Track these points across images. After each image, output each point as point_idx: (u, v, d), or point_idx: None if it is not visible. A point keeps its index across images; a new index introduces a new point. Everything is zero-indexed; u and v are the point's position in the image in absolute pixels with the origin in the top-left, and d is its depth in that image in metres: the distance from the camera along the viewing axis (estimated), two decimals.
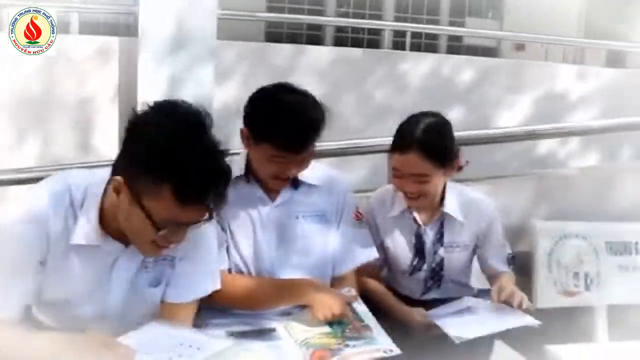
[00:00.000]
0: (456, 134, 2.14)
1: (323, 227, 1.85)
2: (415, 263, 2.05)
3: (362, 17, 7.88)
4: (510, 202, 2.65)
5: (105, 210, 1.41)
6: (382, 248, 2.07)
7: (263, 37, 7.12)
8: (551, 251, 2.48)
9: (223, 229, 1.77)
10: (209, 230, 1.56)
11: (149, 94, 3.71)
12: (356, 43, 7.45)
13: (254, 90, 1.80)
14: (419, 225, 2.05)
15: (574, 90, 5.48)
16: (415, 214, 2.05)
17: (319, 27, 7.67)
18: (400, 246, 2.06)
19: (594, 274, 2.54)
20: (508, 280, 2.06)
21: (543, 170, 2.83)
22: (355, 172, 3.87)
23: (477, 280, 2.23)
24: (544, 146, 4.96)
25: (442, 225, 2.04)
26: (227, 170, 1.36)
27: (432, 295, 2.08)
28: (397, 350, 1.57)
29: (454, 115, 4.81)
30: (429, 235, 2.05)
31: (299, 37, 7.25)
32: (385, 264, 2.12)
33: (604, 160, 5.18)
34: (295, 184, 1.83)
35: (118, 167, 1.37)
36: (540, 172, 2.79)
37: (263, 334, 1.67)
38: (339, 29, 7.82)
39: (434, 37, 8.09)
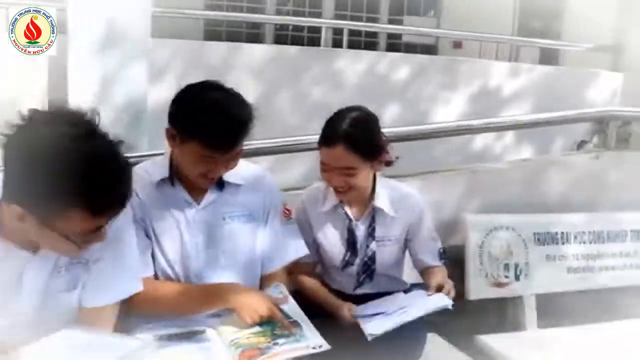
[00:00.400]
0: (391, 129, 2.17)
1: (250, 227, 1.83)
2: (347, 257, 2.07)
3: (302, 15, 7.85)
4: (443, 197, 2.69)
5: (4, 223, 1.33)
6: (315, 244, 2.07)
7: (202, 35, 7.00)
8: (482, 244, 2.55)
9: (147, 235, 1.73)
10: (124, 232, 1.52)
11: (79, 95, 3.60)
12: (296, 41, 7.43)
13: None
14: (350, 220, 2.06)
15: (507, 86, 5.62)
16: (347, 209, 2.06)
17: (259, 26, 7.61)
18: (332, 241, 2.07)
19: (523, 264, 2.63)
20: (442, 275, 2.08)
21: (474, 165, 2.88)
22: (293, 169, 3.86)
23: (410, 275, 2.25)
24: (480, 141, 5.08)
25: (373, 220, 2.06)
26: (127, 166, 1.31)
27: (365, 289, 2.09)
28: (326, 346, 1.57)
29: (391, 111, 4.90)
30: (361, 230, 2.06)
31: (238, 35, 7.17)
32: (318, 260, 2.12)
33: (538, 153, 5.33)
34: (221, 184, 1.79)
35: (11, 192, 1.26)
36: (471, 167, 2.84)
37: (192, 336, 1.65)
38: (280, 27, 7.80)
39: (374, 35, 8.16)
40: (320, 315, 1.82)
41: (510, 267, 2.60)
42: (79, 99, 3.77)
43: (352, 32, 7.49)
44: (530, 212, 2.78)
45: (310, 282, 2.05)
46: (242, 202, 1.82)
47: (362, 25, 7.03)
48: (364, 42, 8.08)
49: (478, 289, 2.54)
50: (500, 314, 2.69)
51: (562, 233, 2.74)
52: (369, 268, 2.08)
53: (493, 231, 2.58)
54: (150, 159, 1.91)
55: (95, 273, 1.48)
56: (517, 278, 2.61)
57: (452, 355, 2.29)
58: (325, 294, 2.02)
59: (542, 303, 2.69)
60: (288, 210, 1.95)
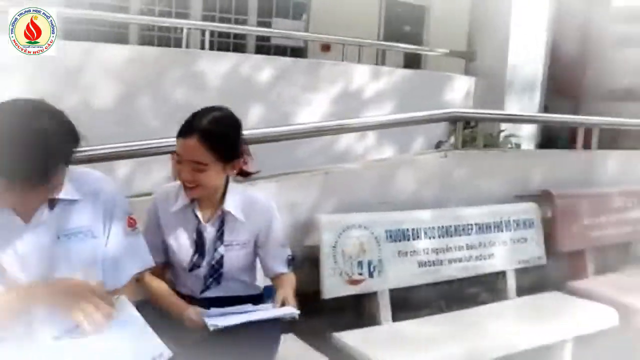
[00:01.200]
0: (249, 131, 2.18)
1: (90, 243, 1.69)
2: (195, 259, 2.04)
3: (169, 15, 7.64)
4: (299, 198, 2.73)
5: None
6: (164, 244, 2.04)
7: (61, 34, 6.60)
8: (336, 243, 2.61)
9: None
10: None
11: None
12: (163, 42, 7.23)
13: (40, 91, 1.60)
14: (199, 222, 2.04)
15: (369, 88, 5.82)
16: (197, 211, 2.04)
17: (125, 25, 7.30)
18: (181, 242, 2.04)
19: (377, 261, 2.73)
20: (290, 285, 2.10)
21: (328, 166, 2.94)
22: (154, 173, 3.76)
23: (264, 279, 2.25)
24: (344, 142, 5.21)
25: (222, 223, 2.05)
26: None
27: (214, 293, 2.07)
28: (168, 354, 1.52)
29: (254, 113, 4.90)
30: (210, 232, 2.05)
31: (102, 34, 6.82)
32: (168, 262, 2.08)
33: (400, 153, 5.56)
34: (52, 202, 1.62)
35: None
36: (325, 168, 2.90)
37: None
38: (147, 28, 7.53)
39: (242, 37, 8.12)
40: (167, 319, 1.80)
41: (364, 265, 2.68)
42: None
43: (220, 34, 7.43)
44: (383, 211, 2.88)
45: (157, 286, 2.00)
46: (80, 218, 1.67)
47: (225, 27, 6.97)
48: (233, 44, 8.03)
49: (333, 287, 2.59)
50: (357, 310, 2.76)
51: (413, 229, 2.87)
52: (216, 271, 2.06)
53: (346, 230, 2.65)
54: None
55: None
56: (371, 275, 2.70)
57: (308, 354, 2.32)
58: (172, 297, 1.99)
59: (397, 297, 2.80)
60: (133, 219, 1.87)
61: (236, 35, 8.10)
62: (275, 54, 7.64)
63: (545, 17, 6.86)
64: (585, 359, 2.91)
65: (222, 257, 2.05)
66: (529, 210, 3.35)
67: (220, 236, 2.05)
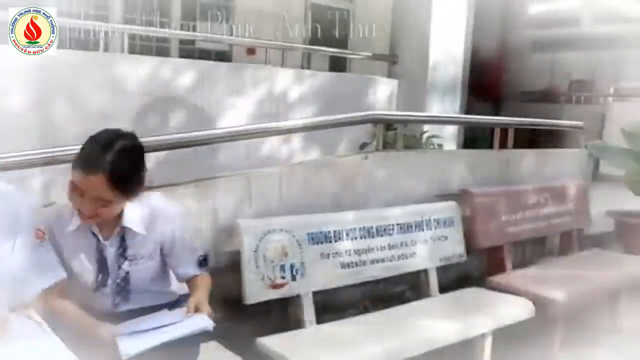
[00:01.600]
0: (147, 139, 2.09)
1: None
2: (99, 279, 1.96)
3: (87, 17, 7.38)
4: (219, 203, 2.69)
5: None
6: (67, 264, 1.93)
7: None
8: (257, 247, 2.59)
9: None
10: None
11: None
12: (81, 45, 6.98)
13: None
14: (99, 240, 1.96)
15: (292, 91, 5.83)
16: (94, 229, 1.95)
17: None
18: (82, 262, 1.95)
19: (299, 264, 2.72)
20: (201, 286, 2.05)
21: (249, 170, 2.91)
22: None
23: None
24: (269, 145, 5.19)
25: (123, 239, 1.97)
26: None
27: (126, 306, 2.01)
28: None
29: (177, 117, 4.81)
30: (111, 250, 1.97)
31: None
32: (74, 280, 1.97)
33: (325, 155, 5.58)
34: None
35: None
36: (247, 172, 2.87)
37: None
38: (64, 30, 7.25)
39: (166, 40, 7.96)
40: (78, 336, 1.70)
41: (286, 268, 2.67)
42: None
43: (142, 37, 7.25)
44: (306, 214, 2.88)
45: (63, 305, 1.87)
46: None
47: (147, 30, 6.82)
48: (156, 47, 7.85)
49: (256, 292, 2.57)
50: (281, 314, 2.75)
51: (335, 231, 2.88)
52: (123, 288, 1.99)
53: (267, 234, 2.63)
54: None
55: None
56: (293, 278, 2.69)
57: None
58: (81, 316, 1.88)
59: (321, 299, 2.81)
60: (41, 231, 1.79)
61: (159, 39, 7.93)
62: (200, 57, 7.52)
63: (464, 20, 7.08)
64: (504, 349, 3.02)
65: (127, 273, 1.98)
66: (448, 209, 3.43)
67: (122, 252, 1.97)
